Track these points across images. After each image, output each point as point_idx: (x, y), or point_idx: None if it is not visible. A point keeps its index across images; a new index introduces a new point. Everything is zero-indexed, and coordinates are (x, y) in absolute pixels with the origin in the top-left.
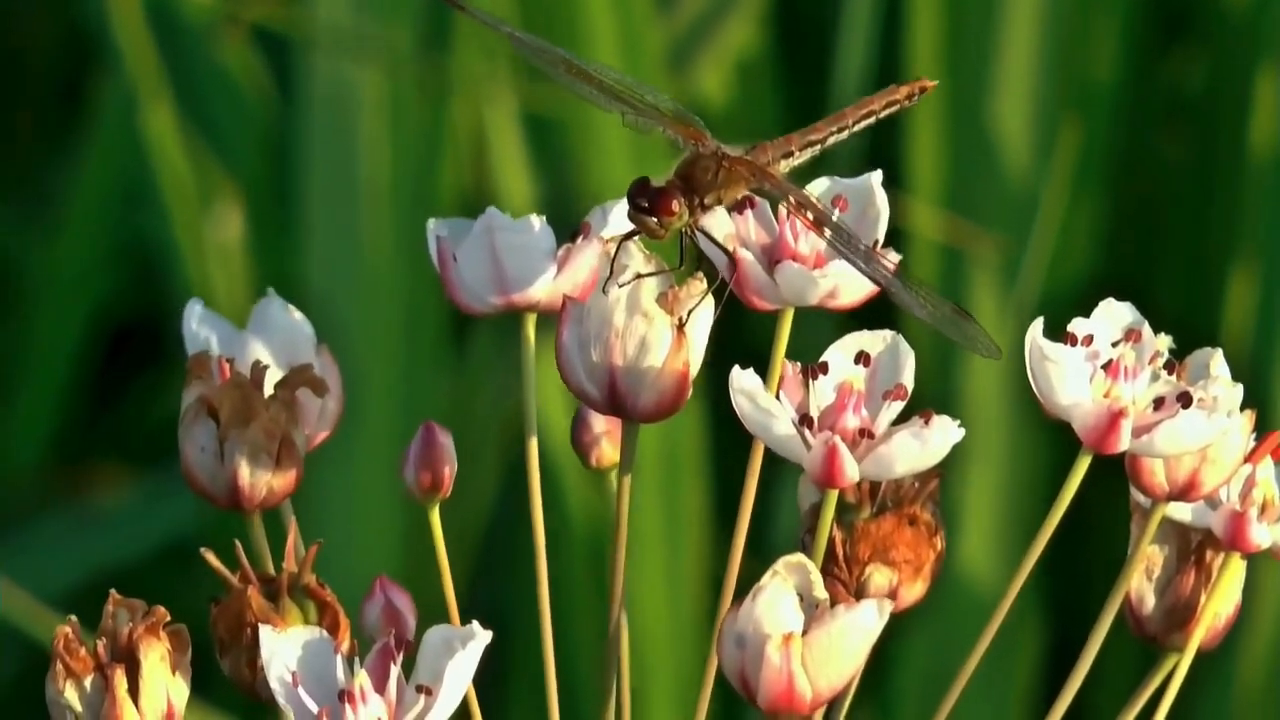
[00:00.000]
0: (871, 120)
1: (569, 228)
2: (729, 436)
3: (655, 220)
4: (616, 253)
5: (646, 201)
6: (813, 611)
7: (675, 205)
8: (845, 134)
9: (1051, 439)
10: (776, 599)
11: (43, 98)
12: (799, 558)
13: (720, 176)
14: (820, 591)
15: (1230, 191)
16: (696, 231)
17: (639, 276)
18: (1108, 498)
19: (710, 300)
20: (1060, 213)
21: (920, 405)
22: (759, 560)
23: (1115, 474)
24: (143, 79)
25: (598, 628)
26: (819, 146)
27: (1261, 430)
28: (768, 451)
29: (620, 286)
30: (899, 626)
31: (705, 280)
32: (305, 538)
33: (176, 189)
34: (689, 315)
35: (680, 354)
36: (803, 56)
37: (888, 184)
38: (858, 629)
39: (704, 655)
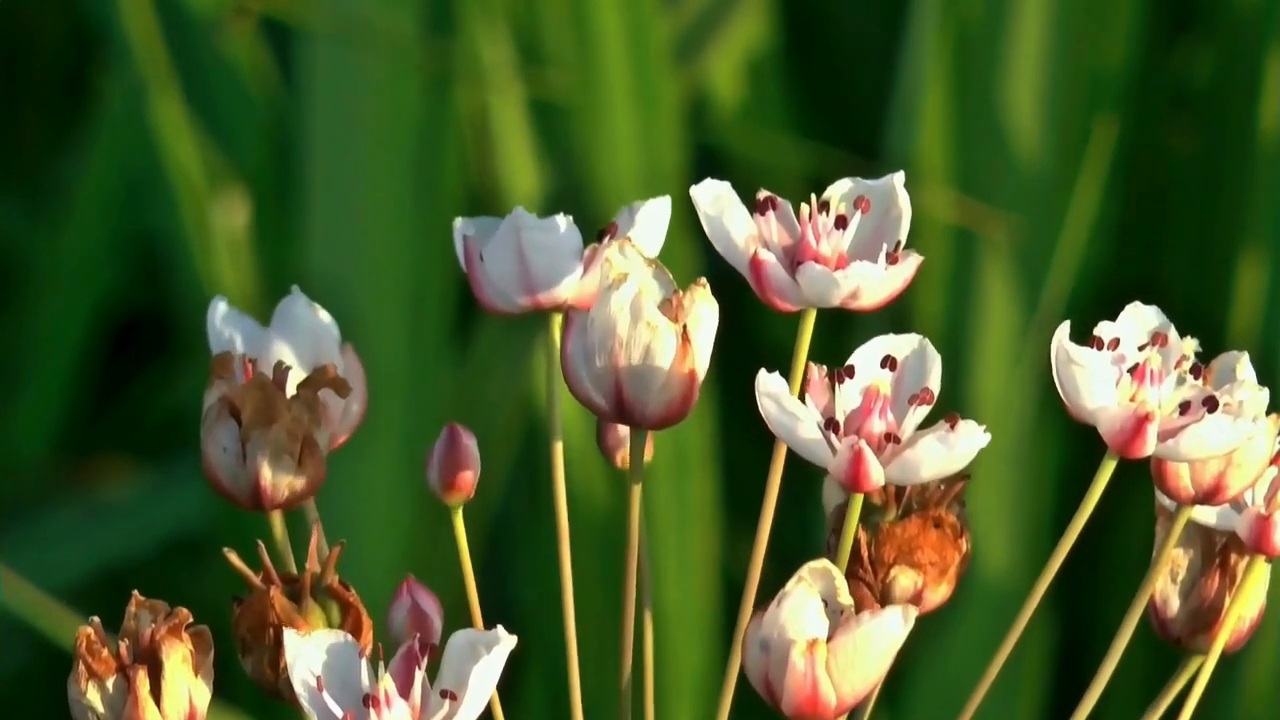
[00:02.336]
0: None
1: (577, 220)
2: (739, 435)
3: None
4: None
5: None
6: (837, 617)
7: None
8: None
9: (1061, 440)
10: (801, 604)
11: (47, 90)
12: (824, 563)
13: None
14: (845, 597)
15: (1238, 182)
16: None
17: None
18: (1118, 498)
19: (714, 305)
20: (1090, 213)
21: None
22: (776, 563)
23: (1125, 475)
24: (151, 70)
25: (607, 622)
26: None
27: None
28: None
29: (622, 293)
30: (914, 631)
31: (707, 285)
32: (339, 541)
33: (184, 181)
34: (693, 321)
35: (686, 361)
36: (812, 47)
37: (899, 169)
38: (882, 635)
39: (714, 653)
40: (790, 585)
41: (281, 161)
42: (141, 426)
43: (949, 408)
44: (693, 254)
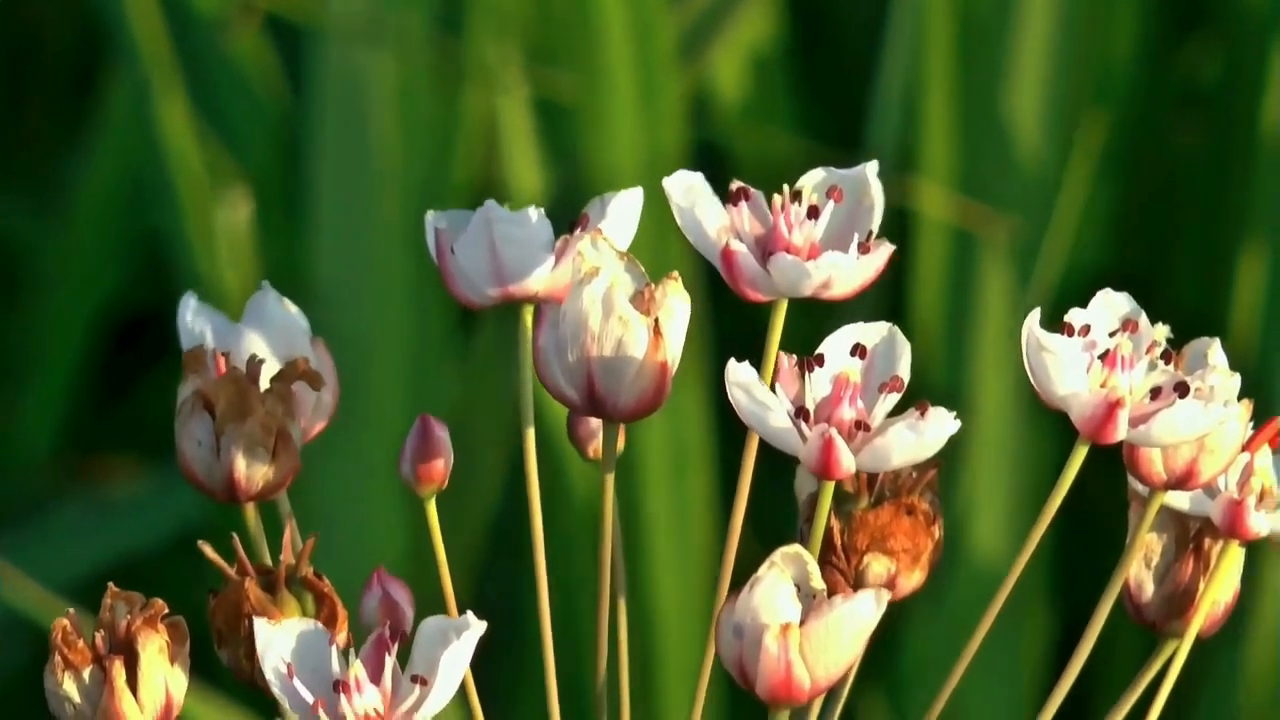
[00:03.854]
0: None
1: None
2: (736, 429)
3: None
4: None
5: None
6: (810, 602)
7: None
8: None
9: (1062, 429)
10: (774, 589)
11: (54, 88)
12: (796, 548)
13: None
14: (817, 582)
15: (1243, 180)
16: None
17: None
18: (1116, 485)
19: (687, 297)
20: (1079, 204)
21: (930, 398)
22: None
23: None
24: (156, 71)
25: (598, 616)
26: None
27: (1261, 419)
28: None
29: (594, 287)
30: (910, 617)
31: (680, 278)
32: (313, 533)
33: (188, 181)
34: (664, 314)
35: (658, 354)
36: (817, 45)
37: (902, 168)
38: (855, 618)
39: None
40: (762, 570)
41: (286, 161)
42: (146, 425)
43: (948, 404)
44: (689, 252)
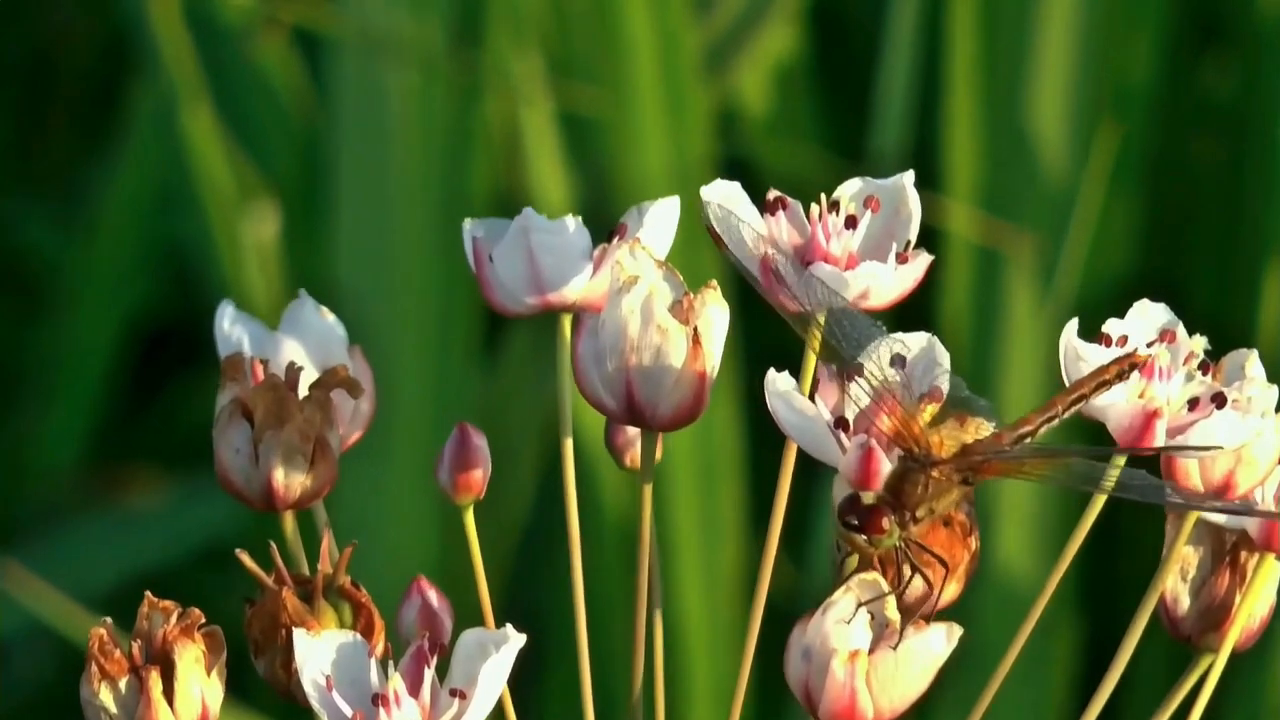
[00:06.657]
0: (1082, 404)
1: (605, 229)
2: (766, 439)
3: (865, 538)
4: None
5: (856, 519)
6: (882, 630)
7: (885, 523)
8: (1057, 421)
9: (1088, 440)
10: (845, 615)
11: (79, 99)
12: (874, 575)
13: (930, 488)
14: (891, 611)
15: (1262, 193)
16: (910, 544)
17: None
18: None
19: (725, 307)
20: (1096, 213)
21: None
22: (797, 566)
23: (1151, 473)
24: (182, 81)
25: (634, 627)
26: (1030, 438)
27: None
28: (803, 456)
29: (633, 296)
30: None
31: (718, 287)
32: (339, 542)
33: (214, 191)
34: (704, 324)
35: (697, 363)
36: (841, 59)
37: (925, 185)
38: (924, 652)
39: (741, 658)
40: (837, 595)
41: (311, 172)
42: (171, 436)
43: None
44: (719, 261)
